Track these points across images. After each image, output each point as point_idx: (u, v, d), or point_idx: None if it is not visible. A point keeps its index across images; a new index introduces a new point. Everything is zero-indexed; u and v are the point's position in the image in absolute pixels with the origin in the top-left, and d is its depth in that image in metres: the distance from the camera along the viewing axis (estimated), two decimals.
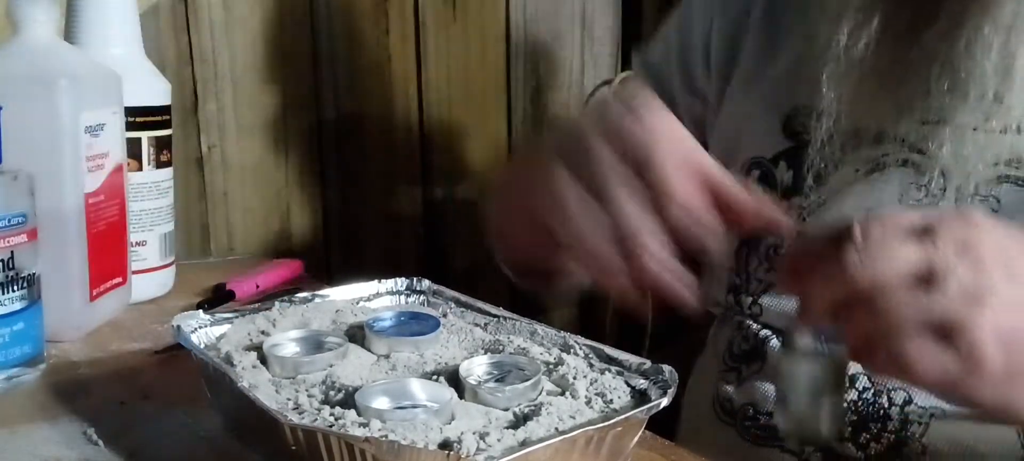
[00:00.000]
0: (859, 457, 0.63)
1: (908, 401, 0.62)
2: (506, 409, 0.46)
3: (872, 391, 0.63)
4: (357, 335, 0.56)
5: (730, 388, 0.71)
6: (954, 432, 0.61)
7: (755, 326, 0.70)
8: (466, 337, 0.56)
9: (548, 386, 0.49)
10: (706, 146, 0.79)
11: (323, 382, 0.48)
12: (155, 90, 0.81)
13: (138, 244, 0.80)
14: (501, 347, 0.54)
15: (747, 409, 0.69)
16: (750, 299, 0.70)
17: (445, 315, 0.60)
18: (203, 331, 0.55)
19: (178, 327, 0.53)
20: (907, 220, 0.44)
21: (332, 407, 0.45)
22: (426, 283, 0.64)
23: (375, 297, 0.63)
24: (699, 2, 0.80)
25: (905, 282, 0.42)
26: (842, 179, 0.64)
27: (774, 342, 0.68)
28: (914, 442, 0.62)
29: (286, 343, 0.54)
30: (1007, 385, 0.43)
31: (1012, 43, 0.57)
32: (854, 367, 0.63)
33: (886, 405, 0.63)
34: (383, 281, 0.64)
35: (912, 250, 0.43)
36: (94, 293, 0.70)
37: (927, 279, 0.43)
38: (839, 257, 0.43)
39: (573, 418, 0.45)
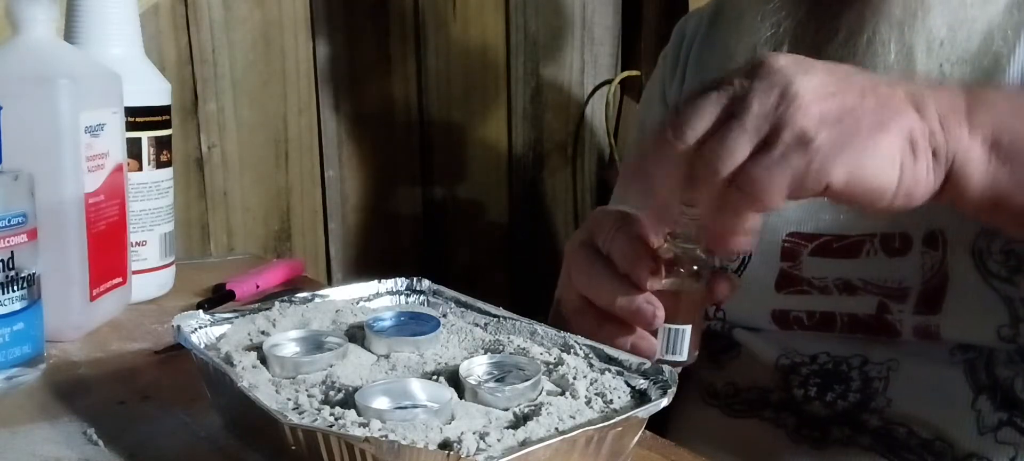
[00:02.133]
0: (828, 414, 0.69)
1: (865, 361, 0.68)
2: (506, 409, 0.46)
3: (832, 363, 0.69)
4: (357, 335, 0.56)
5: (712, 375, 0.77)
6: (914, 382, 0.66)
7: (721, 324, 0.76)
8: (466, 337, 0.56)
9: (548, 386, 0.50)
10: None
11: (323, 382, 0.48)
12: (155, 90, 0.81)
13: (138, 244, 0.80)
14: (501, 347, 0.54)
15: (729, 388, 0.75)
16: (713, 308, 0.76)
17: (445, 315, 0.60)
18: (203, 331, 0.55)
19: (178, 327, 0.53)
20: (705, 88, 0.50)
21: (332, 407, 0.45)
22: (426, 283, 0.64)
23: (375, 297, 0.63)
24: (660, 62, 0.89)
25: (713, 126, 0.49)
26: None
27: (739, 331, 0.75)
28: (879, 396, 0.67)
29: (286, 343, 0.54)
30: (845, 154, 0.47)
31: (907, 35, 0.64)
32: (812, 348, 0.70)
33: (846, 369, 0.69)
34: (383, 281, 0.64)
35: (712, 101, 0.49)
36: (94, 293, 0.70)
37: (731, 111, 0.48)
38: (662, 147, 0.50)
39: (573, 418, 0.45)
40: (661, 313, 0.55)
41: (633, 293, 0.55)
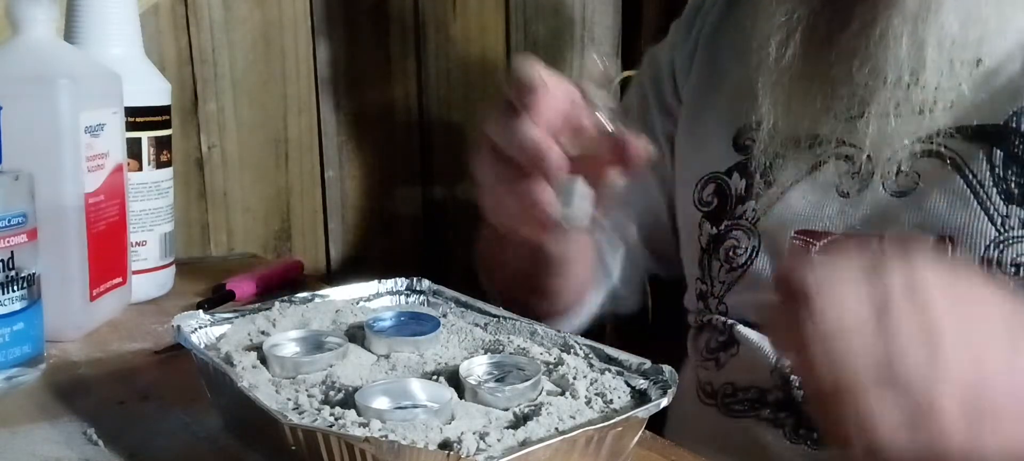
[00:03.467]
0: None
1: None
2: (506, 409, 0.46)
3: None
4: (357, 335, 0.56)
5: (710, 375, 0.76)
6: None
7: (724, 319, 0.76)
8: (466, 337, 0.56)
9: (548, 386, 0.50)
10: (672, 163, 0.85)
11: (323, 382, 0.48)
12: (155, 90, 0.81)
13: (138, 244, 0.80)
14: (501, 347, 0.54)
15: (727, 388, 0.74)
16: (716, 300, 0.76)
17: (445, 315, 0.60)
18: (203, 331, 0.55)
19: (178, 327, 0.53)
20: (855, 267, 0.45)
21: (332, 407, 0.45)
22: (426, 283, 0.64)
23: (375, 297, 0.63)
24: (672, 29, 0.89)
25: (857, 326, 0.43)
26: (786, 181, 0.71)
27: (740, 328, 0.74)
28: None
29: (286, 343, 0.54)
30: (968, 431, 0.43)
31: (920, 30, 0.63)
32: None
33: None
34: (383, 281, 0.64)
35: (862, 296, 0.44)
36: (94, 293, 0.70)
37: (878, 319, 0.43)
38: (796, 315, 0.44)
39: (573, 418, 0.45)
40: (556, 155, 0.55)
41: (536, 133, 0.55)
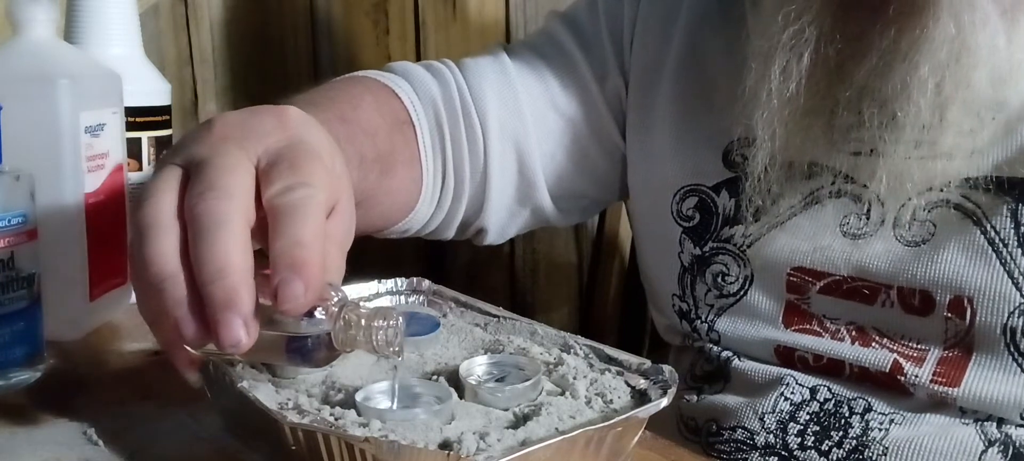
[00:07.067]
0: None
1: (868, 408, 0.64)
2: (506, 409, 0.46)
3: (833, 402, 0.65)
4: None
5: (692, 408, 0.72)
6: (914, 433, 0.62)
7: (717, 349, 0.71)
8: (466, 337, 0.56)
9: (548, 386, 0.50)
10: (623, 132, 0.78)
11: (323, 382, 0.48)
12: (155, 90, 0.81)
13: None
14: (501, 347, 0.54)
15: (710, 425, 0.70)
16: (706, 325, 0.71)
17: (445, 315, 0.60)
18: None
19: None
20: None
21: (332, 407, 0.45)
22: (426, 283, 0.64)
23: (375, 297, 0.63)
24: None
25: None
26: (780, 212, 0.66)
27: (737, 362, 0.70)
28: (875, 445, 0.63)
29: None
30: None
31: (947, 84, 0.56)
32: (813, 380, 0.66)
33: (846, 414, 0.64)
34: (383, 281, 0.64)
35: None
36: (94, 293, 0.70)
37: None
38: None
39: (573, 418, 0.45)
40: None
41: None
